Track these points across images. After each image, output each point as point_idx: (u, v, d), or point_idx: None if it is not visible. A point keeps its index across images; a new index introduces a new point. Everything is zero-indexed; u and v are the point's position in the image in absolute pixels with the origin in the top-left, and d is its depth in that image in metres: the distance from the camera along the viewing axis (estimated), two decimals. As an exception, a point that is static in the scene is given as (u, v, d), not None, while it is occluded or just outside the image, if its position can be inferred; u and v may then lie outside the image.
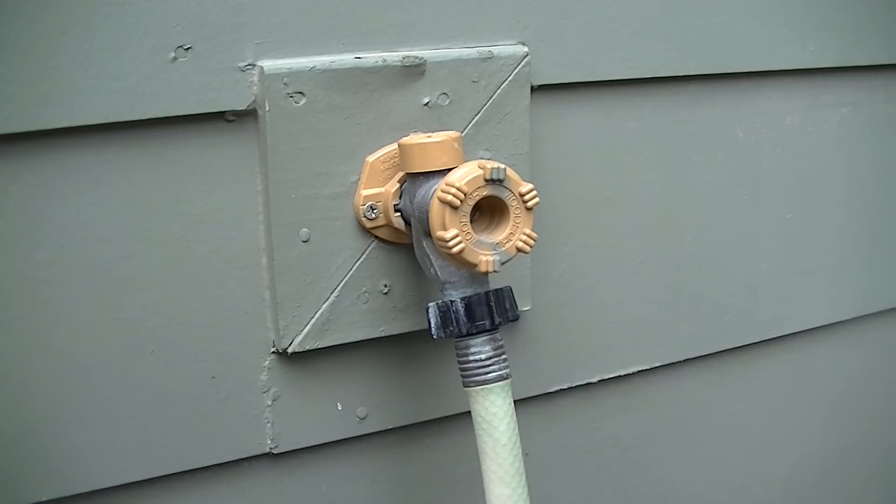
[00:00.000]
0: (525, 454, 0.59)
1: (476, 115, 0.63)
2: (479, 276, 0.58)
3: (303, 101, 0.58)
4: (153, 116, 0.55)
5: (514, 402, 0.58)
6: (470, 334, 0.57)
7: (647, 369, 0.78)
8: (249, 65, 0.57)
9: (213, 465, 0.62)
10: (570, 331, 0.73)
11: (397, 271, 0.63)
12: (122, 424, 0.58)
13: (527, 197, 0.56)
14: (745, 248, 0.81)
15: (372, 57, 0.60)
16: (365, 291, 0.62)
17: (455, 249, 0.54)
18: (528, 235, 0.56)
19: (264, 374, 0.62)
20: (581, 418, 0.77)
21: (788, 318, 0.86)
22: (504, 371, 0.57)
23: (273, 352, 0.62)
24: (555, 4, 0.66)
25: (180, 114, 0.56)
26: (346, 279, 0.62)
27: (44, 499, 0.57)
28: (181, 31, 0.55)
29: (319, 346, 0.62)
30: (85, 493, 0.58)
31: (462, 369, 0.58)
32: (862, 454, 0.96)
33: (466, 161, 0.57)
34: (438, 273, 0.58)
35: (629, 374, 0.78)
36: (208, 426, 0.61)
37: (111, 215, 0.56)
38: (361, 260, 0.62)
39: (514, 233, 0.56)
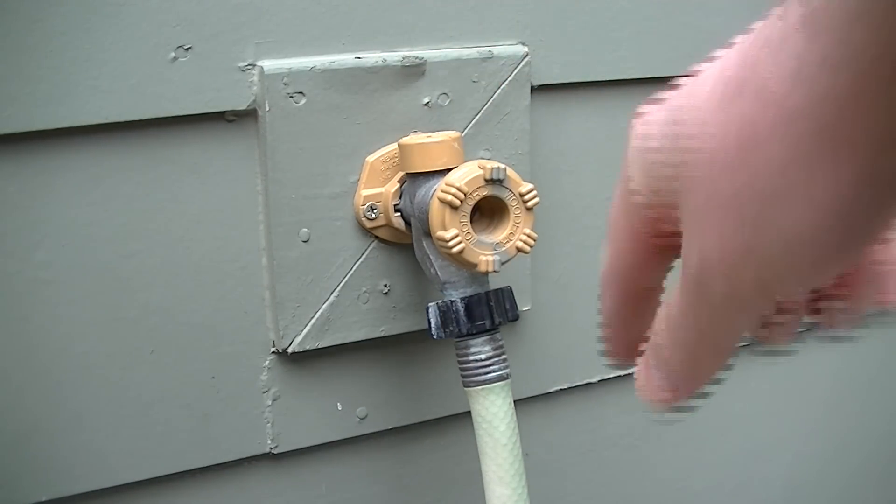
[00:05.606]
0: (525, 454, 0.59)
1: (476, 115, 0.63)
2: (479, 276, 0.58)
3: (303, 101, 0.58)
4: (153, 116, 0.55)
5: (514, 402, 0.58)
6: (470, 334, 0.57)
7: (647, 369, 0.78)
8: (249, 65, 0.57)
9: (213, 465, 0.62)
10: (570, 331, 0.73)
11: (397, 271, 0.63)
12: (122, 424, 0.58)
13: (527, 197, 0.56)
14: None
15: (372, 57, 0.60)
16: (365, 291, 0.62)
17: (455, 249, 0.54)
18: (529, 235, 0.56)
19: (264, 374, 0.62)
20: (581, 418, 0.77)
21: (788, 318, 0.85)
22: (504, 371, 0.57)
23: (273, 352, 0.62)
24: (555, 4, 0.66)
25: (180, 114, 0.56)
26: (346, 279, 0.62)
27: (44, 499, 0.57)
28: (181, 31, 0.55)
29: (319, 346, 0.62)
30: (85, 493, 0.58)
31: (462, 369, 0.58)
32: (861, 454, 0.96)
33: (466, 161, 0.57)
34: (438, 273, 0.58)
35: (629, 374, 0.77)
36: (208, 426, 0.61)
37: (111, 215, 0.56)
38: (361, 260, 0.62)
39: (514, 233, 0.56)
